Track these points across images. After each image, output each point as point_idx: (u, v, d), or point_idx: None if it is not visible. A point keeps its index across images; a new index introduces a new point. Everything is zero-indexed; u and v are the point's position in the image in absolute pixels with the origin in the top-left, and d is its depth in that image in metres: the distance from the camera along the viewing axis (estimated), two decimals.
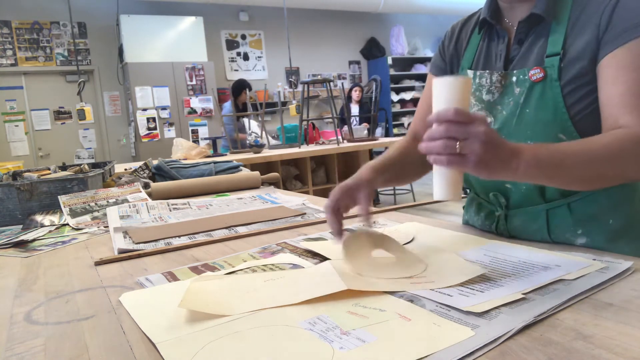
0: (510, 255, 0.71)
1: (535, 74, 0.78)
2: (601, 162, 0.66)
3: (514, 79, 0.82)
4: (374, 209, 0.82)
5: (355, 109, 6.09)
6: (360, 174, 0.82)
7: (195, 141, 6.05)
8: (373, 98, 4.87)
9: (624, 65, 0.71)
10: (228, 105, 5.25)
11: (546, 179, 0.67)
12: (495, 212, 0.88)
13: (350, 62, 8.34)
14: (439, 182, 0.64)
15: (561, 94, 0.76)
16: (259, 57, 7.54)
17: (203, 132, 6.35)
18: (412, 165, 0.95)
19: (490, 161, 0.58)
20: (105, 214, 1.31)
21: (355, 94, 6.09)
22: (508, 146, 0.60)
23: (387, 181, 0.90)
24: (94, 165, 1.98)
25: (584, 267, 0.63)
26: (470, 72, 0.90)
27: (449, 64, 0.98)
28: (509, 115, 0.82)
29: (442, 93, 0.61)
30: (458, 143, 0.57)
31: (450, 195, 0.63)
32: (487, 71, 0.86)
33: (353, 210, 0.80)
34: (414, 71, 8.46)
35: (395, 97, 8.23)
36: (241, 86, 5.12)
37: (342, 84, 5.44)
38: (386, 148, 7.00)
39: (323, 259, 0.78)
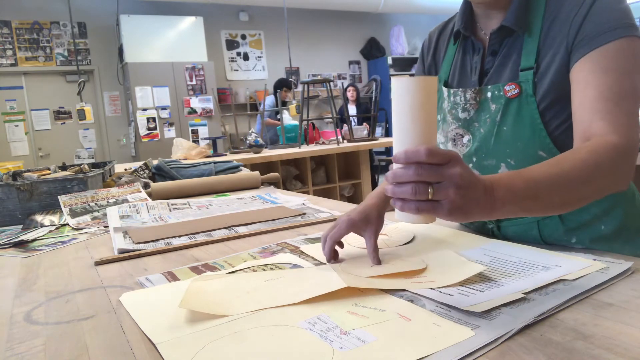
0: (510, 255, 0.71)
1: (511, 89, 0.77)
2: (579, 184, 0.60)
3: (489, 94, 0.80)
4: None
5: (352, 109, 6.08)
6: (367, 204, 0.79)
7: (195, 141, 6.05)
8: (373, 98, 4.86)
9: (596, 68, 0.69)
10: (268, 100, 5.42)
11: (523, 212, 0.58)
12: (487, 224, 0.88)
13: (350, 62, 8.34)
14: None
15: (537, 109, 0.75)
16: (259, 57, 7.54)
17: (203, 132, 6.35)
18: None
19: (466, 205, 0.51)
20: (105, 214, 1.31)
21: (349, 94, 6.08)
22: (482, 184, 0.53)
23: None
24: (94, 165, 1.98)
25: (584, 267, 0.63)
26: (445, 90, 0.88)
27: (427, 74, 0.97)
28: (487, 134, 0.81)
29: (405, 99, 0.52)
30: (430, 187, 0.50)
31: (420, 219, 0.53)
32: (460, 89, 0.84)
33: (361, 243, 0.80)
34: (413, 71, 8.45)
35: None
36: (280, 84, 5.45)
37: (342, 84, 5.45)
38: (386, 148, 6.97)
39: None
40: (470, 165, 0.85)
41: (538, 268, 0.64)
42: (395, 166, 0.52)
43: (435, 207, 0.50)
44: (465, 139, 0.85)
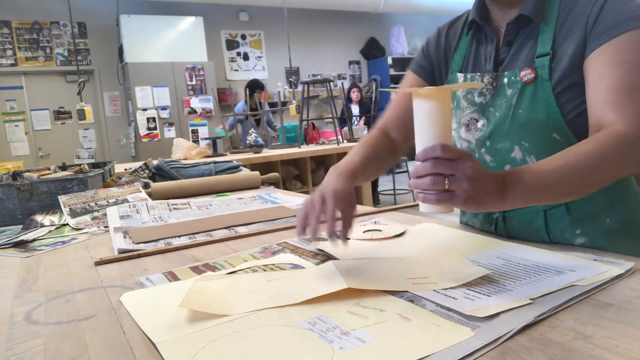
0: (524, 259, 0.70)
1: (527, 74, 0.78)
2: (584, 173, 0.64)
3: (505, 80, 0.82)
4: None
5: (355, 109, 6.09)
6: (341, 182, 0.73)
7: (195, 141, 6.05)
8: (373, 98, 4.87)
9: (610, 61, 0.71)
10: (237, 107, 5.27)
11: (533, 202, 0.65)
12: (493, 214, 0.88)
13: (350, 62, 8.34)
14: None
15: (553, 93, 0.76)
16: (259, 57, 7.54)
17: (203, 132, 6.35)
18: (384, 161, 0.92)
19: (478, 196, 0.59)
20: (105, 214, 1.31)
21: (354, 95, 6.10)
22: (494, 178, 0.60)
23: (362, 181, 0.86)
24: (94, 165, 1.98)
25: (599, 273, 0.60)
26: (460, 76, 0.89)
27: (436, 67, 0.97)
28: (502, 117, 0.82)
29: (425, 106, 0.60)
30: (446, 179, 0.58)
31: (439, 208, 0.61)
32: (478, 74, 0.86)
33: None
34: None
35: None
36: (254, 86, 5.16)
37: (342, 84, 5.45)
38: None
39: (325, 258, 0.78)
40: (483, 150, 0.86)
41: (551, 272, 0.63)
42: (417, 164, 0.61)
43: (452, 197, 0.58)
44: (480, 123, 0.86)
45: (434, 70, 0.97)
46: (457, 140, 0.90)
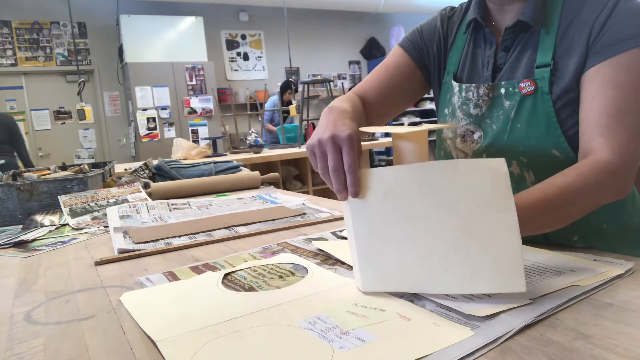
0: (525, 260, 0.69)
1: (526, 86, 0.75)
2: (562, 206, 0.64)
3: (503, 91, 0.78)
4: None
5: None
6: (349, 124, 0.63)
7: (195, 141, 6.05)
8: None
9: (606, 81, 0.69)
10: (271, 100, 5.52)
11: None
12: None
13: (350, 62, 8.34)
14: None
15: (553, 108, 0.74)
16: (259, 57, 7.54)
17: (203, 132, 6.35)
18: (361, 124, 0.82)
19: None
20: (105, 214, 1.31)
21: None
22: None
23: None
24: (94, 165, 1.98)
25: (599, 273, 0.60)
26: (455, 85, 0.86)
27: (432, 56, 0.93)
28: (500, 130, 0.79)
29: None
30: None
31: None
32: (473, 85, 0.82)
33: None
34: None
35: None
36: (286, 86, 5.56)
37: (342, 84, 5.45)
38: (387, 148, 6.91)
39: (325, 258, 0.78)
40: None
41: (551, 272, 0.62)
42: None
43: None
44: (476, 135, 0.83)
45: (427, 56, 0.93)
46: (453, 150, 0.88)
